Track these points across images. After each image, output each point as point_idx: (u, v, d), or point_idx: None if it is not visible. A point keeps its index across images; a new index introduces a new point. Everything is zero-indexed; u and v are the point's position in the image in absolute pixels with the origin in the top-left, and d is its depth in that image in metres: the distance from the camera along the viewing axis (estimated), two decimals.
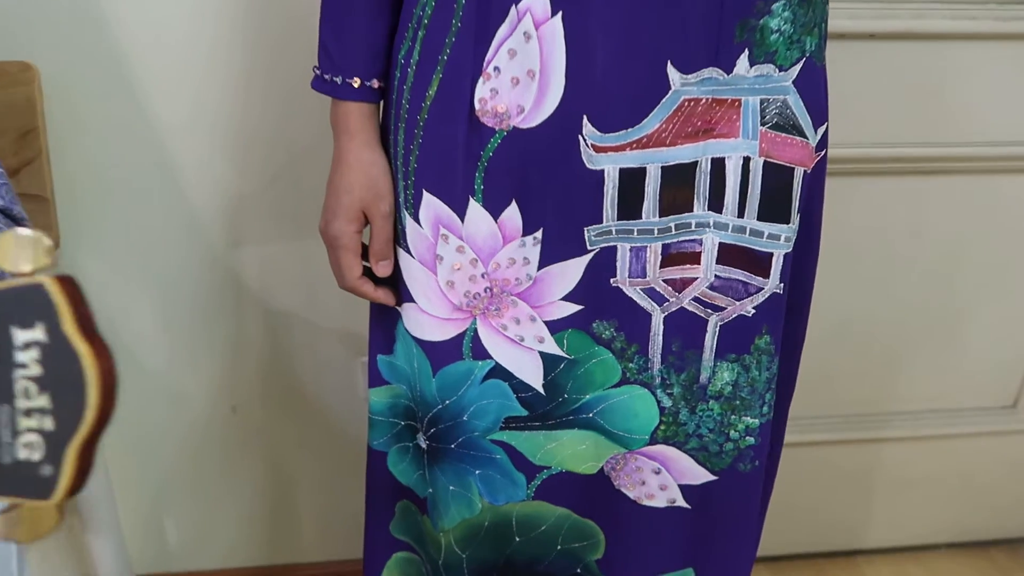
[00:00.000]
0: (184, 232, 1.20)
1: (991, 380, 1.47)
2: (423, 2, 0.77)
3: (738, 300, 0.82)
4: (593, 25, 0.73)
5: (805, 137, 0.80)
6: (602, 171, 0.77)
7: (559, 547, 0.94)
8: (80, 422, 0.32)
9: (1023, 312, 1.42)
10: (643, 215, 0.79)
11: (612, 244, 0.80)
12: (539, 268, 0.81)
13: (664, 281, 0.81)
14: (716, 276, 0.81)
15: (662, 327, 0.83)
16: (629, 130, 0.76)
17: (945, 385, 1.46)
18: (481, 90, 0.76)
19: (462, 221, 0.81)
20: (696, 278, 0.81)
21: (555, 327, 0.84)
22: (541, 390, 0.86)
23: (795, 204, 0.81)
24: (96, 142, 1.13)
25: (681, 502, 0.90)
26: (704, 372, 0.84)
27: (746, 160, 0.78)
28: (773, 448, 0.96)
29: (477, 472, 0.90)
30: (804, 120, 0.80)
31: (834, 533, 1.56)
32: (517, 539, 0.93)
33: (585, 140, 0.76)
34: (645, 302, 0.82)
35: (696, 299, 0.82)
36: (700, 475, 0.88)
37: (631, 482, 0.90)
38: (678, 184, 0.78)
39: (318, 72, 0.83)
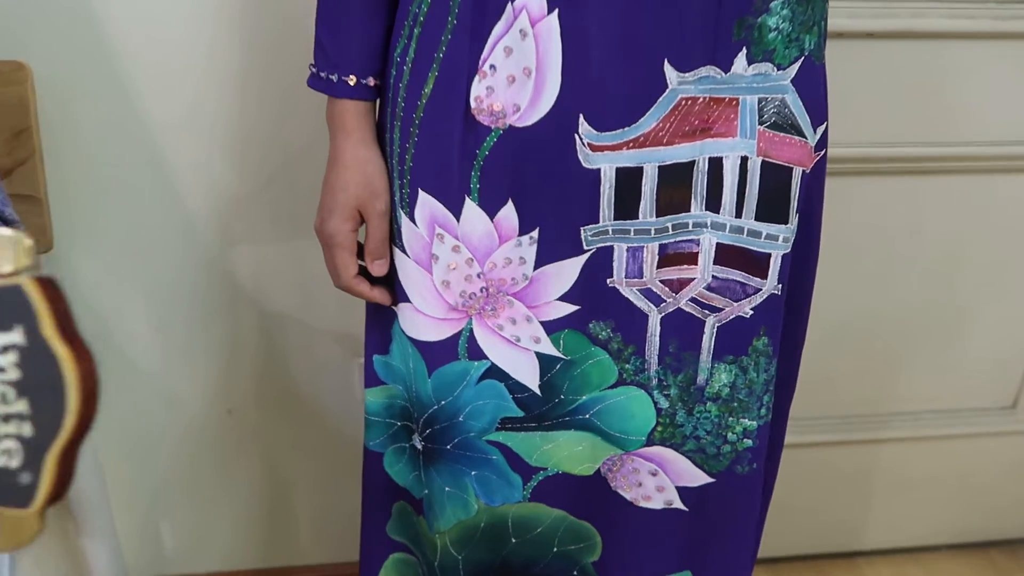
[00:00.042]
0: (179, 233, 1.20)
1: (990, 380, 1.47)
2: None
3: (736, 301, 0.81)
4: (589, 23, 0.73)
5: (804, 137, 0.80)
6: (598, 170, 0.77)
7: (555, 549, 0.93)
8: (60, 428, 0.32)
9: (1023, 312, 1.41)
10: (640, 215, 0.78)
11: (609, 244, 0.80)
12: (535, 268, 0.81)
13: (661, 282, 0.81)
14: (714, 277, 0.80)
15: (659, 328, 0.82)
16: (626, 129, 0.76)
17: (944, 385, 1.45)
18: (477, 88, 0.76)
19: (458, 220, 0.80)
20: (693, 279, 0.81)
21: (551, 327, 0.83)
22: (537, 391, 0.85)
23: (793, 204, 0.81)
24: (90, 142, 1.12)
25: (678, 504, 0.90)
26: (701, 373, 0.83)
27: (744, 160, 0.77)
28: (773, 450, 0.96)
29: (473, 473, 0.90)
30: (803, 119, 0.79)
31: (834, 534, 1.55)
32: (513, 541, 0.93)
33: (581, 139, 0.76)
34: (642, 303, 0.82)
35: (693, 300, 0.81)
36: (698, 477, 0.88)
37: (628, 484, 0.89)
38: (675, 184, 0.78)
39: (314, 70, 0.82)
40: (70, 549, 1.24)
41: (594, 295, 0.81)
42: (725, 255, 0.80)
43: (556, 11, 0.72)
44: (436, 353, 0.86)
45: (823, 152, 0.84)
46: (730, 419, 0.85)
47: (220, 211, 1.19)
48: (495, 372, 0.85)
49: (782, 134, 0.78)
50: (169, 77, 1.11)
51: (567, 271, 0.81)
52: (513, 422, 0.87)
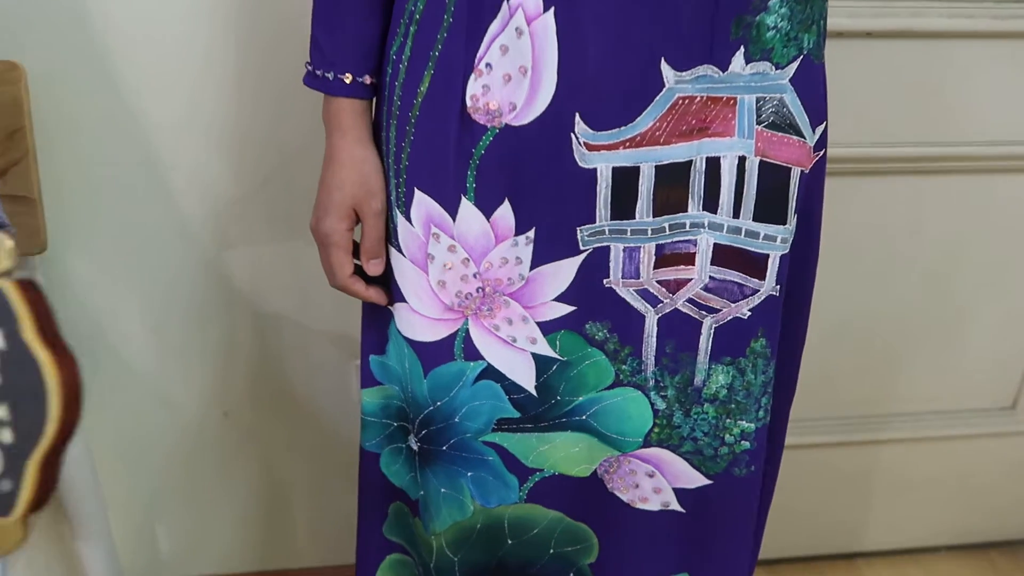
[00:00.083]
0: (174, 233, 1.19)
1: (990, 381, 1.47)
2: None
3: (733, 302, 0.81)
4: (585, 21, 0.72)
5: (802, 136, 0.79)
6: (595, 170, 0.76)
7: (552, 550, 0.93)
8: (41, 434, 0.31)
9: (1022, 312, 1.41)
10: (637, 215, 0.78)
11: (605, 244, 0.79)
12: (531, 268, 0.81)
13: (658, 282, 0.80)
14: (711, 277, 0.80)
15: (656, 329, 0.82)
16: (622, 128, 0.75)
17: (944, 386, 1.45)
18: (473, 87, 0.75)
19: (454, 220, 0.80)
20: (690, 279, 0.80)
21: (548, 328, 0.83)
22: (533, 392, 0.85)
23: (791, 205, 0.80)
24: (84, 142, 1.12)
25: (675, 505, 0.89)
26: (699, 375, 0.83)
27: (741, 160, 0.77)
28: (774, 452, 0.96)
29: (469, 474, 0.89)
30: (801, 119, 0.79)
31: (833, 536, 1.55)
32: (509, 542, 0.92)
33: (577, 138, 0.75)
34: (638, 303, 0.81)
35: (690, 300, 0.81)
36: (695, 479, 0.87)
37: (624, 485, 0.89)
38: (672, 184, 0.77)
39: (310, 68, 0.82)
40: (65, 552, 1.24)
41: (591, 296, 0.81)
42: (722, 256, 0.79)
43: (552, 9, 0.72)
44: (432, 353, 0.85)
45: (822, 152, 0.84)
46: (727, 421, 0.85)
47: (216, 211, 1.19)
48: (491, 373, 0.85)
49: (780, 134, 0.78)
50: (164, 77, 1.11)
51: (564, 271, 0.80)
52: (509, 423, 0.87)
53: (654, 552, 0.92)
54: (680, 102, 0.75)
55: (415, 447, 0.91)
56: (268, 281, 1.24)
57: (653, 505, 0.89)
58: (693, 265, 0.80)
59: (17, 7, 1.04)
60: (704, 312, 0.81)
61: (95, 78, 1.09)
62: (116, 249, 1.19)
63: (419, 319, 0.84)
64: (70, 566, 1.25)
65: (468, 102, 0.76)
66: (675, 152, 0.76)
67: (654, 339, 0.82)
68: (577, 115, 0.75)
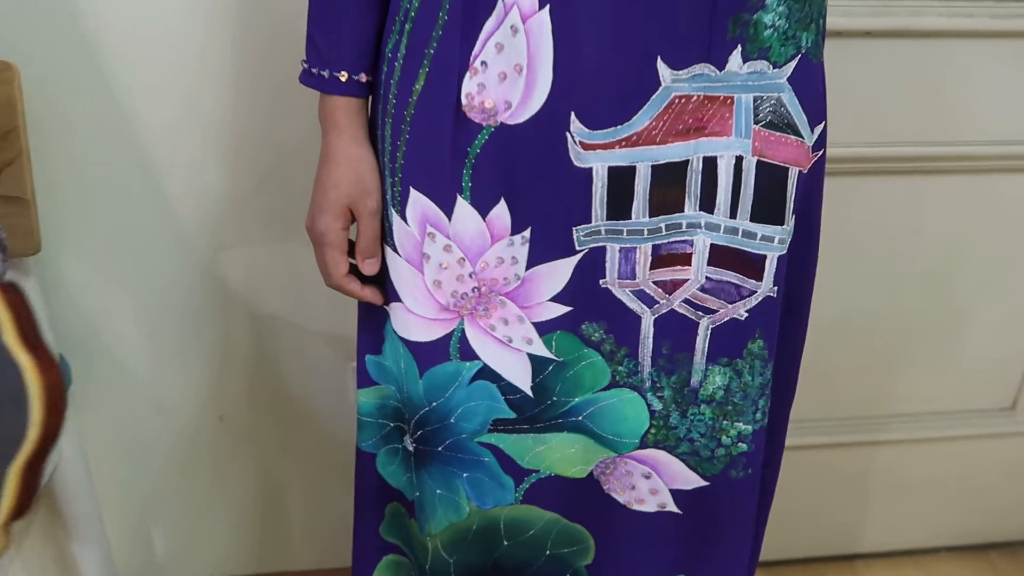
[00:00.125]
0: (169, 234, 1.19)
1: (990, 381, 1.46)
2: None
3: (730, 303, 0.80)
4: (581, 19, 0.72)
5: (800, 136, 0.78)
6: (590, 169, 0.76)
7: (548, 552, 0.92)
8: (23, 440, 0.30)
9: (1022, 312, 1.40)
10: (633, 215, 0.77)
11: (601, 245, 0.79)
12: (527, 268, 0.80)
13: (654, 283, 0.80)
14: (707, 278, 0.80)
15: (652, 330, 0.81)
16: (618, 127, 0.75)
17: (944, 386, 1.45)
18: (468, 85, 0.75)
19: (449, 219, 0.79)
20: (687, 280, 0.80)
21: (543, 328, 0.82)
22: (529, 392, 0.84)
23: (789, 205, 0.79)
24: (79, 142, 1.11)
25: (672, 507, 0.89)
26: (695, 375, 0.83)
27: (739, 159, 0.76)
28: (773, 454, 0.95)
29: (464, 475, 0.89)
30: (799, 119, 0.78)
31: (832, 537, 1.55)
32: (505, 543, 0.92)
33: (573, 137, 0.75)
34: (635, 304, 0.81)
35: (687, 301, 0.80)
36: (691, 480, 0.87)
37: (621, 486, 0.88)
38: (669, 183, 0.77)
39: (306, 66, 0.81)
40: (60, 555, 1.23)
41: (587, 296, 0.81)
42: (719, 256, 0.79)
43: (547, 7, 0.72)
44: (427, 354, 0.85)
45: (821, 152, 0.83)
46: (724, 422, 0.84)
47: (211, 212, 1.19)
48: (487, 373, 0.84)
49: (778, 133, 0.77)
50: (159, 76, 1.10)
51: (559, 272, 0.80)
52: (505, 424, 0.86)
53: (651, 554, 0.91)
54: (677, 101, 0.74)
55: (410, 448, 0.90)
56: (264, 282, 1.24)
57: (649, 506, 0.89)
58: (689, 266, 0.79)
59: (10, 7, 1.04)
60: (701, 313, 0.81)
61: (89, 78, 1.09)
62: (110, 250, 1.18)
63: (415, 319, 0.84)
64: (65, 569, 1.24)
65: (463, 100, 0.75)
66: (671, 152, 0.76)
67: (650, 340, 0.82)
68: (573, 114, 0.74)
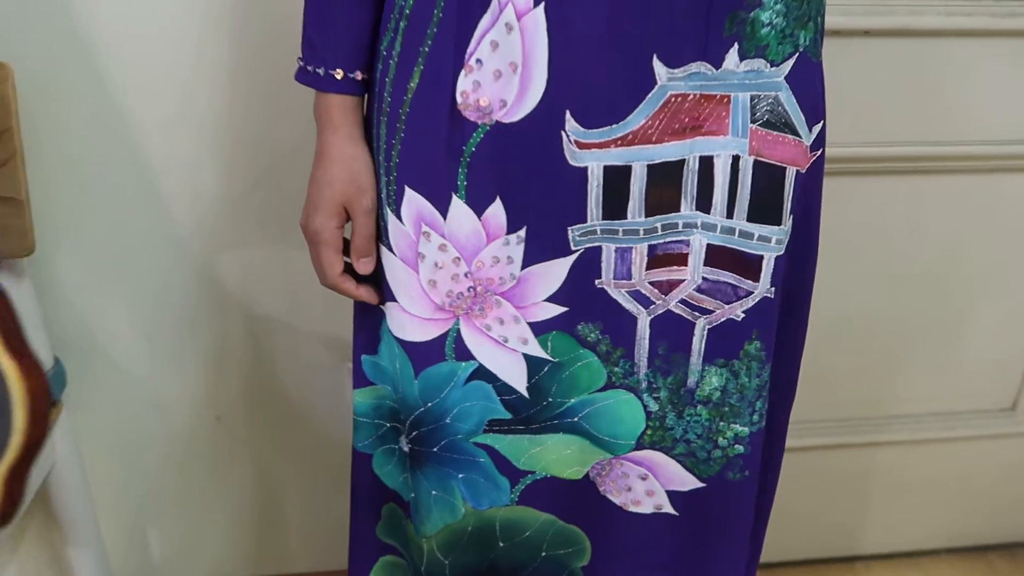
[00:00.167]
0: (165, 234, 1.18)
1: (990, 382, 1.46)
2: None
3: (727, 304, 0.80)
4: (576, 17, 0.71)
5: (798, 136, 0.78)
6: (586, 168, 0.76)
7: (544, 553, 0.92)
8: (6, 448, 0.30)
9: (1022, 312, 1.40)
10: (628, 215, 0.77)
11: (597, 244, 0.78)
12: (523, 268, 0.80)
13: (650, 283, 0.79)
14: (704, 278, 0.79)
15: (648, 330, 0.81)
16: (613, 126, 0.74)
17: (943, 387, 1.45)
18: (463, 83, 0.75)
19: (444, 218, 0.79)
20: (683, 280, 0.79)
21: (539, 329, 0.82)
22: (525, 393, 0.84)
23: (787, 205, 0.79)
24: (73, 142, 1.11)
25: (668, 508, 0.88)
26: (692, 376, 0.82)
27: (735, 159, 0.76)
28: (773, 456, 0.95)
29: (460, 476, 0.88)
30: (797, 118, 0.78)
31: (832, 538, 1.55)
32: (501, 545, 0.92)
33: (568, 136, 0.74)
34: (630, 304, 0.80)
35: (683, 301, 0.80)
36: (688, 481, 0.87)
37: (617, 488, 0.88)
38: (665, 183, 0.76)
39: (301, 63, 0.81)
40: (55, 558, 1.23)
41: (582, 296, 0.80)
42: (716, 256, 0.78)
43: (542, 4, 0.71)
44: (422, 354, 0.84)
45: (820, 151, 0.83)
46: (721, 424, 0.84)
47: (206, 212, 1.18)
48: (483, 373, 0.84)
49: (775, 133, 0.77)
50: (154, 76, 1.10)
51: (555, 272, 0.79)
52: (501, 424, 0.86)
53: (647, 555, 0.91)
54: (673, 100, 0.74)
55: (406, 449, 0.90)
56: (260, 282, 1.24)
57: (646, 508, 0.88)
58: (686, 266, 0.79)
59: (4, 6, 1.03)
60: (697, 313, 0.80)
61: (84, 78, 1.08)
62: (105, 250, 1.18)
63: (410, 319, 0.84)
64: (60, 572, 1.24)
65: (458, 99, 0.75)
66: (667, 151, 0.75)
67: (647, 341, 0.81)
68: (568, 112, 0.74)
